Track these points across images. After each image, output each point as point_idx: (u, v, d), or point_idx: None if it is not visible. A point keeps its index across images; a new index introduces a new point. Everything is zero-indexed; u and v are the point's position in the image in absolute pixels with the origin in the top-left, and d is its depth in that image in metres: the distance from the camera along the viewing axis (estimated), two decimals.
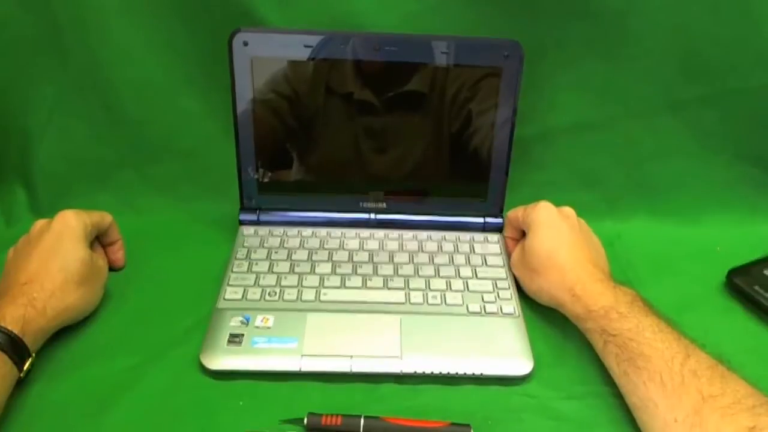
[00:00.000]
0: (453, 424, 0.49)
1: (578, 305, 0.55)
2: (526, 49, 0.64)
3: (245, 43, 0.63)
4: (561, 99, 0.73)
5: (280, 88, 0.65)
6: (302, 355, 0.54)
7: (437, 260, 0.67)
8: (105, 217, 0.64)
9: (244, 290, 0.61)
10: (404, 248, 0.68)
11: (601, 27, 0.68)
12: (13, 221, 0.75)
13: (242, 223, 0.71)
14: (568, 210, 0.64)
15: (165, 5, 0.68)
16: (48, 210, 0.71)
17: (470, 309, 0.60)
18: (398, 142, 0.69)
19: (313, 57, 0.64)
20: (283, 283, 0.63)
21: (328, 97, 0.66)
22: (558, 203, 0.64)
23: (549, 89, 0.72)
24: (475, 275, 0.65)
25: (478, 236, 0.71)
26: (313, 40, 0.63)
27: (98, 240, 0.64)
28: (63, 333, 0.56)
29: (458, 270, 0.65)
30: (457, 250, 0.68)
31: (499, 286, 0.63)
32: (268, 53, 0.63)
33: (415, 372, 0.54)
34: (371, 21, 0.68)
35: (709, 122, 0.73)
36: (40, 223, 0.59)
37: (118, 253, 0.66)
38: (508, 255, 0.68)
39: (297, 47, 0.63)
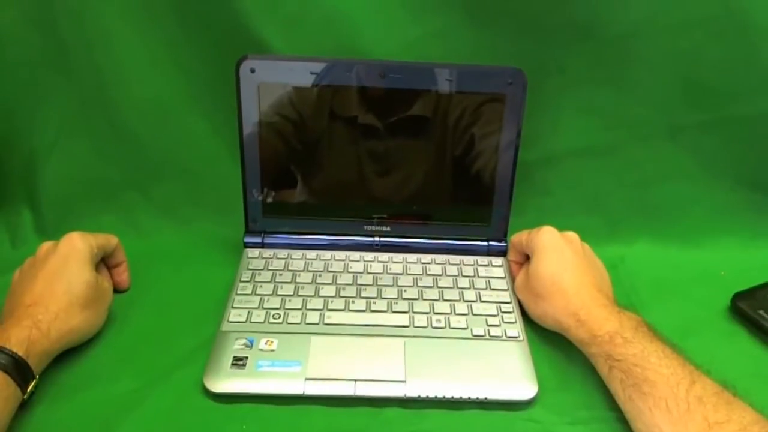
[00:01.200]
0: None
1: (583, 330, 0.55)
2: (528, 73, 0.64)
3: (252, 70, 0.63)
4: (563, 123, 0.74)
5: (286, 113, 0.66)
6: (306, 379, 0.54)
7: (441, 284, 0.67)
8: (111, 240, 0.64)
9: (249, 313, 0.61)
10: (408, 272, 0.69)
11: (604, 52, 0.69)
12: (18, 243, 0.75)
13: (247, 245, 0.71)
14: (572, 234, 0.64)
15: (171, 26, 0.69)
16: (53, 231, 0.72)
17: (474, 333, 0.60)
18: (402, 166, 0.69)
19: (318, 83, 0.64)
20: (288, 306, 0.63)
21: (333, 122, 0.67)
22: (561, 227, 0.64)
23: (551, 114, 0.73)
24: (479, 299, 0.65)
25: (483, 260, 0.71)
26: (319, 67, 0.64)
27: (103, 262, 0.65)
28: (66, 355, 0.56)
29: (462, 293, 0.65)
30: (461, 274, 0.68)
31: (503, 309, 0.63)
32: (275, 79, 0.64)
33: (420, 396, 0.54)
34: (374, 47, 0.69)
35: (711, 147, 0.74)
36: (47, 245, 0.60)
37: (123, 275, 0.67)
38: (512, 279, 0.68)
39: (303, 74, 0.64)
